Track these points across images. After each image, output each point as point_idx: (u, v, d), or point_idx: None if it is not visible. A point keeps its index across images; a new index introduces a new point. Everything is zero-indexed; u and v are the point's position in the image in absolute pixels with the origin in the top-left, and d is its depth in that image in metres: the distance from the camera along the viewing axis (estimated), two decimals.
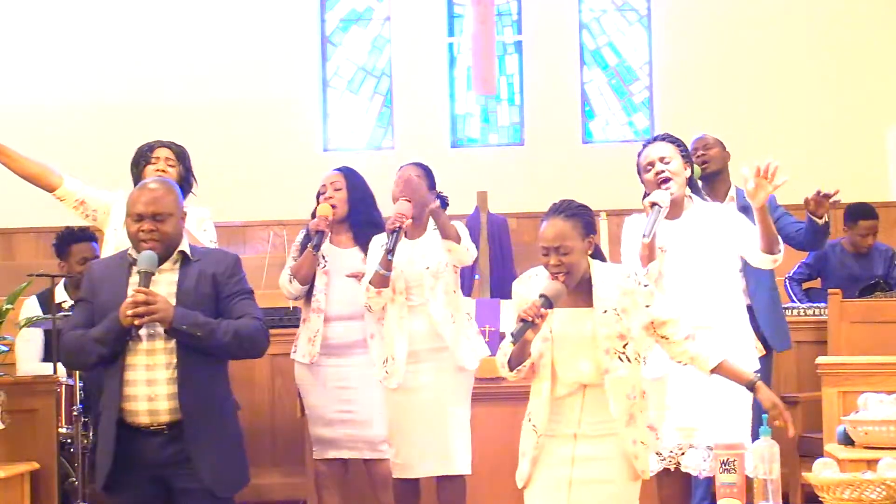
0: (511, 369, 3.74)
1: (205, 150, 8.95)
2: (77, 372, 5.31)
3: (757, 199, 4.37)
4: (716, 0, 9.86)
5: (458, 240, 4.90)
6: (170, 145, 5.10)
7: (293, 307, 6.40)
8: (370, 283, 4.89)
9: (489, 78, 8.94)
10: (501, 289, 6.63)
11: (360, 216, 5.28)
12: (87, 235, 6.08)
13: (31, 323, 5.44)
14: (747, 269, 4.92)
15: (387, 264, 4.84)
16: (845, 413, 4.55)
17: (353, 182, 5.31)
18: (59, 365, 5.40)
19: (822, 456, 3.95)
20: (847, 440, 4.42)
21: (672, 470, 4.47)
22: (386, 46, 10.34)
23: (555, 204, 3.84)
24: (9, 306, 5.01)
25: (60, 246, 6.18)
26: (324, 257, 5.21)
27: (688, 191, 4.60)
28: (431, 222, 5.02)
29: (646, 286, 3.81)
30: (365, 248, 5.16)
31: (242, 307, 3.99)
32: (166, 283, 3.94)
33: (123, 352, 3.88)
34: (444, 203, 5.14)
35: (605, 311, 3.75)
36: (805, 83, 9.70)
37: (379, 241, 4.96)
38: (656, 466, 4.51)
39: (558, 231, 3.74)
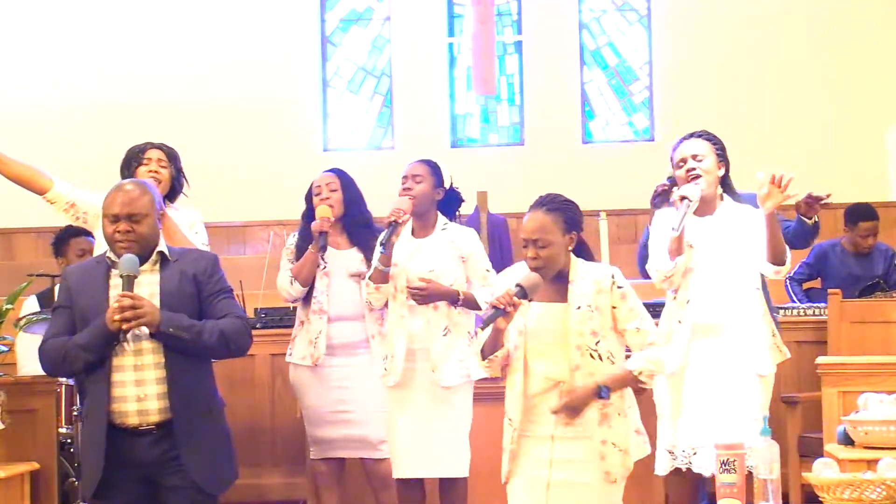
0: (483, 358, 3.74)
1: (205, 150, 9.01)
2: None
3: (766, 205, 4.39)
4: (716, 0, 9.86)
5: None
6: (161, 146, 5.08)
7: (293, 307, 6.40)
8: (369, 278, 4.90)
9: (489, 78, 8.94)
10: None
11: (354, 216, 5.29)
12: (83, 230, 6.09)
13: (30, 323, 5.43)
14: None
15: (384, 259, 4.83)
16: (845, 413, 4.54)
17: (347, 183, 5.32)
18: None
19: (822, 456, 3.95)
20: (847, 440, 4.41)
21: (683, 470, 4.47)
22: (386, 46, 10.34)
23: (541, 196, 3.82)
24: (9, 306, 5.00)
25: (58, 244, 6.18)
26: (323, 259, 5.21)
27: (720, 189, 4.59)
28: (439, 222, 5.01)
29: (619, 287, 3.77)
30: (363, 248, 5.17)
31: (224, 306, 3.99)
32: (148, 285, 3.94)
33: (110, 355, 3.87)
34: (458, 198, 5.10)
35: (580, 308, 3.73)
36: (805, 83, 9.70)
37: (381, 239, 4.95)
38: (667, 466, 4.52)
39: (538, 224, 3.73)
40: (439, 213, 5.04)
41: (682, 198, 4.44)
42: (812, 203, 5.32)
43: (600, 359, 3.73)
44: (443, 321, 4.90)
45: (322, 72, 10.35)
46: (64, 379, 5.34)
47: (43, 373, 5.59)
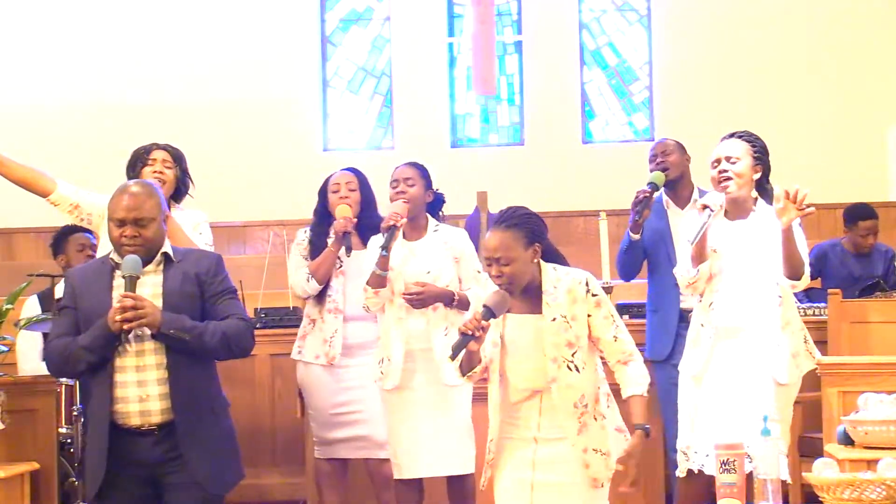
0: (462, 374, 3.74)
1: (205, 150, 8.99)
2: None
3: (783, 220, 4.34)
4: (716, 0, 9.86)
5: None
6: (166, 147, 5.08)
7: (293, 307, 6.39)
8: (367, 283, 4.89)
9: (489, 78, 8.94)
10: None
11: (368, 218, 5.27)
12: (81, 227, 6.09)
13: (30, 323, 5.44)
14: None
15: (383, 263, 4.83)
16: (845, 413, 4.54)
17: (364, 183, 5.33)
18: None
19: (822, 456, 3.94)
20: (847, 440, 4.41)
21: (696, 472, 4.46)
22: (386, 46, 10.34)
23: (500, 212, 3.79)
24: (9, 306, 5.00)
25: (57, 241, 6.20)
26: (340, 258, 5.20)
27: (754, 193, 4.54)
28: (430, 224, 5.02)
29: (594, 295, 3.74)
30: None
31: (227, 307, 3.99)
32: (151, 285, 3.94)
33: (112, 356, 3.87)
34: (442, 200, 5.13)
35: (555, 319, 3.71)
36: (805, 83, 9.69)
37: (376, 242, 4.95)
38: (682, 466, 4.51)
39: (498, 241, 3.69)
40: (429, 215, 5.06)
41: (704, 207, 4.40)
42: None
43: (577, 370, 3.71)
44: (442, 321, 4.91)
45: (322, 72, 10.34)
46: (65, 379, 5.35)
47: (43, 372, 5.63)
